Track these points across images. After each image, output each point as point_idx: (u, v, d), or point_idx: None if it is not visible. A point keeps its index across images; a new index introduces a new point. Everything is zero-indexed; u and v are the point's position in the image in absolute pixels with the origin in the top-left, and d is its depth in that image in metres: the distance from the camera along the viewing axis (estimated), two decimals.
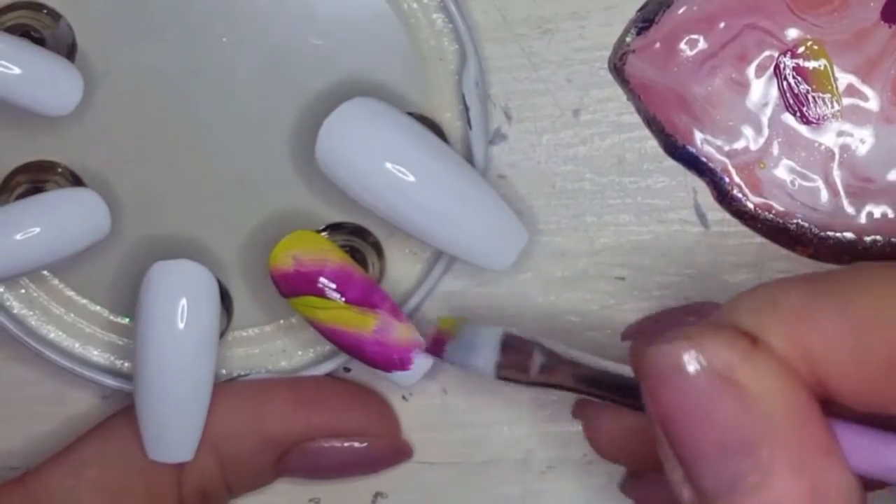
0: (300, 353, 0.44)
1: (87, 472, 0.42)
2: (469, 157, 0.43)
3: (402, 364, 0.42)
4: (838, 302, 0.33)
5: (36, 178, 0.43)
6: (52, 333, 0.44)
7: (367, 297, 0.41)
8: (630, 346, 0.36)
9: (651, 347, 0.33)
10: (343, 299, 0.41)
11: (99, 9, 0.43)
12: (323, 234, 0.43)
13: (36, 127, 0.43)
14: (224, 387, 0.43)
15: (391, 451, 0.44)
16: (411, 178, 0.41)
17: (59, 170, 0.43)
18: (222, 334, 0.43)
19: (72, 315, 0.44)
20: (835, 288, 0.33)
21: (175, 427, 0.41)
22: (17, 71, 0.40)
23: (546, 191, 0.44)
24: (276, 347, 0.44)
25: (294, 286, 0.41)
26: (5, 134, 0.43)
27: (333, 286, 0.41)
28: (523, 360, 0.40)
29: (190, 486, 0.42)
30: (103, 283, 0.44)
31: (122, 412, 0.43)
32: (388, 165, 0.41)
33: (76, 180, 0.43)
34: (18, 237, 0.40)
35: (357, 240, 0.44)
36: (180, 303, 0.41)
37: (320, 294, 0.41)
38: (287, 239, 0.41)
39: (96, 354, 0.44)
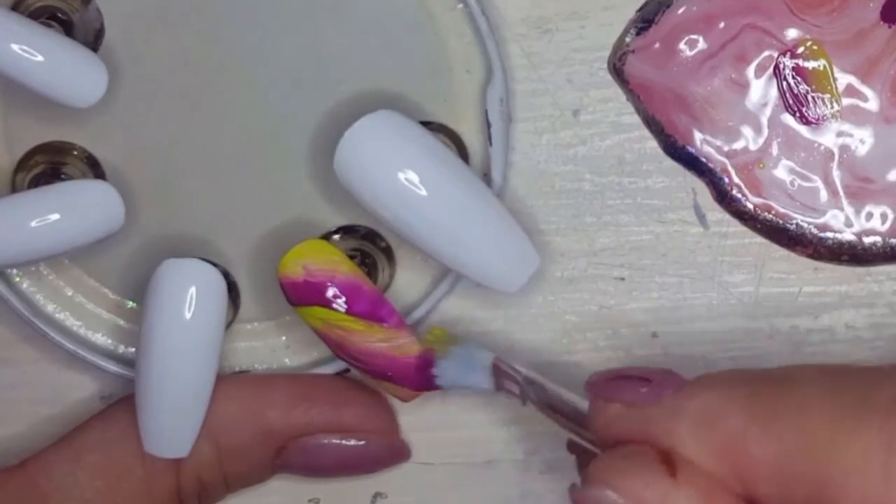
0: (303, 350, 0.44)
1: (87, 457, 0.42)
2: (487, 174, 0.43)
3: (418, 377, 0.42)
4: (770, 430, 0.34)
5: (54, 159, 0.43)
6: (58, 313, 0.44)
7: (374, 310, 0.41)
8: (589, 404, 0.38)
9: (575, 488, 0.35)
10: (350, 312, 0.41)
11: None
12: (335, 236, 0.43)
13: (58, 110, 0.42)
14: (225, 377, 0.43)
15: (389, 451, 0.44)
16: (424, 193, 0.40)
17: (76, 152, 0.43)
18: (227, 326, 0.43)
19: (79, 296, 0.44)
20: (770, 412, 0.34)
21: (173, 423, 0.41)
22: (39, 58, 0.40)
23: (546, 191, 0.44)
24: (280, 343, 0.44)
25: (302, 295, 0.41)
26: (27, 115, 0.43)
27: (342, 298, 0.41)
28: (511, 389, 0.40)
29: (187, 474, 0.42)
30: (113, 268, 0.44)
31: (123, 401, 0.43)
32: (402, 180, 0.40)
33: (94, 164, 0.43)
34: (34, 224, 0.40)
35: (369, 244, 0.44)
36: (187, 302, 0.41)
37: (328, 305, 0.41)
38: (298, 247, 0.41)
39: (99, 338, 0.44)
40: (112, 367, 0.44)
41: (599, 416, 0.37)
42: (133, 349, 0.44)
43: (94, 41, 0.42)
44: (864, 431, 0.32)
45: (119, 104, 0.43)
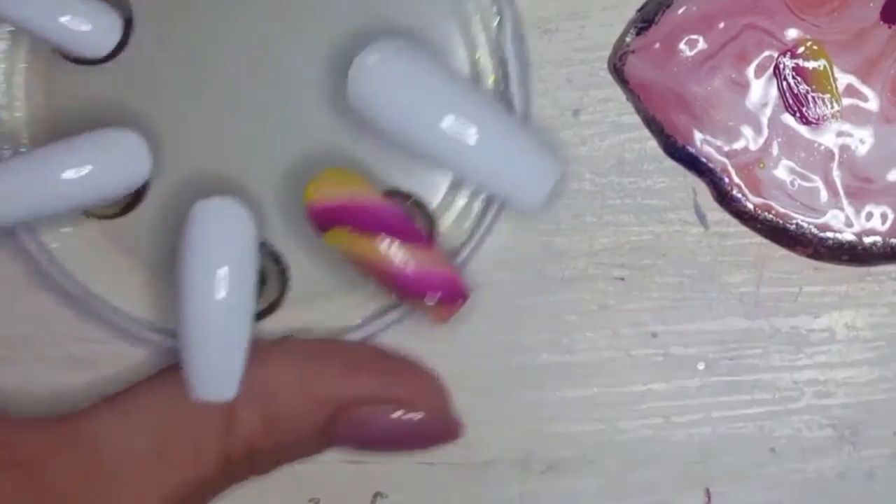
0: (356, 313, 0.44)
1: (137, 416, 0.42)
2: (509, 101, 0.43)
3: (451, 293, 0.42)
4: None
5: None
6: (95, 286, 0.44)
7: (402, 229, 0.41)
8: None
9: None
10: (377, 232, 0.41)
11: None
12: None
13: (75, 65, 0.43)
14: (272, 345, 0.43)
15: (443, 427, 0.44)
16: (440, 112, 0.41)
17: None
18: (279, 300, 0.43)
19: (115, 267, 0.44)
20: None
21: (217, 364, 0.41)
22: (53, 11, 0.41)
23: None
24: (336, 307, 0.44)
25: (328, 220, 0.41)
26: (49, 70, 0.44)
27: (368, 219, 0.41)
28: None
29: (237, 440, 0.42)
30: (143, 230, 0.44)
31: (170, 368, 0.43)
32: (417, 101, 0.41)
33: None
34: (65, 175, 0.41)
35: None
36: (219, 239, 0.41)
37: (355, 227, 0.41)
38: (319, 176, 0.42)
39: (141, 311, 0.44)
40: (154, 336, 0.44)
41: None
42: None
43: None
44: None
45: (133, 53, 0.43)
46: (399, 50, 0.41)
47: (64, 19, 0.41)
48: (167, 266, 0.43)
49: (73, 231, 0.44)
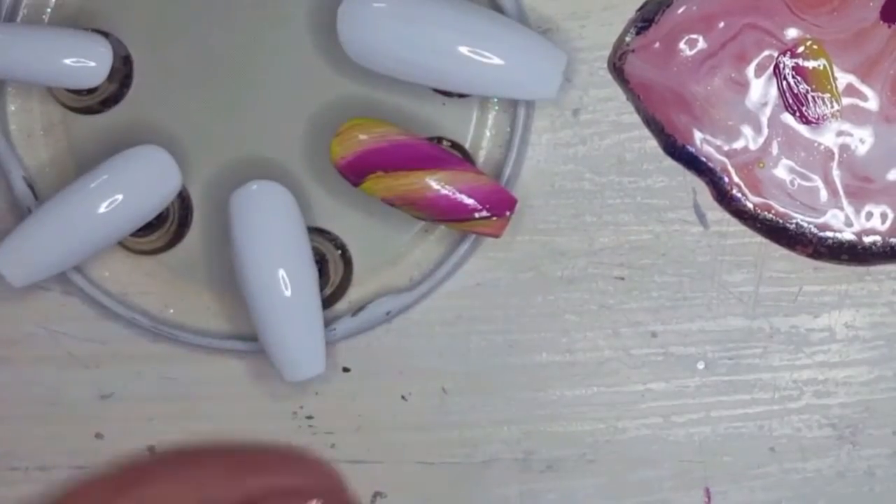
0: (416, 266, 0.45)
1: None
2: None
3: (498, 205, 0.42)
4: None
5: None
6: (150, 305, 0.45)
7: (432, 155, 0.42)
8: None
9: None
10: (412, 167, 0.41)
11: None
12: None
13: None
14: (161, 455, 0.43)
15: None
16: (437, 33, 0.41)
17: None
18: (343, 288, 0.44)
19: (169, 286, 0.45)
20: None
21: (296, 343, 0.42)
22: (40, 54, 0.41)
23: (546, 190, 0.44)
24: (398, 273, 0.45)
25: (360, 170, 0.42)
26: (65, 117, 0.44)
27: (398, 156, 0.41)
28: None
29: None
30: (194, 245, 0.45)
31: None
32: (411, 29, 0.41)
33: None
34: (102, 210, 0.41)
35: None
36: (265, 222, 0.41)
37: (388, 169, 0.41)
38: (339, 131, 0.42)
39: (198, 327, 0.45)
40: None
41: None
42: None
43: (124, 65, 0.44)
44: None
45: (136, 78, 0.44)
46: None
47: (54, 59, 0.41)
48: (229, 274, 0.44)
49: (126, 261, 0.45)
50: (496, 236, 0.42)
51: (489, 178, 0.42)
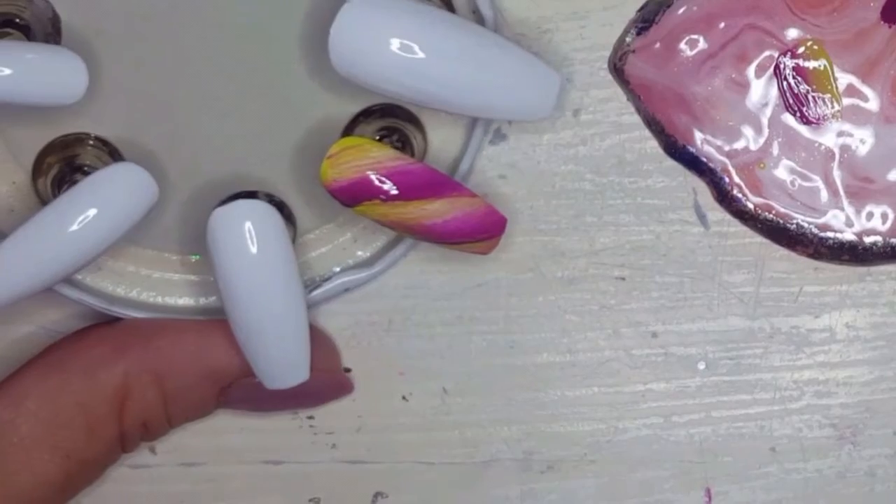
0: (371, 238, 0.44)
1: (26, 403, 0.42)
2: (476, 10, 0.43)
3: (491, 229, 0.42)
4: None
5: (66, 154, 0.42)
6: (131, 292, 0.44)
7: (427, 184, 0.41)
8: None
9: None
10: (404, 195, 0.41)
11: None
12: (360, 124, 0.43)
13: (48, 109, 0.42)
14: (167, 321, 0.43)
15: (330, 385, 0.44)
16: (425, 57, 0.40)
17: (85, 140, 0.43)
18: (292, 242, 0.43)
19: (143, 269, 0.44)
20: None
21: (282, 354, 0.42)
22: (7, 72, 0.39)
23: (546, 191, 0.44)
24: (347, 240, 0.44)
25: (353, 195, 0.41)
26: (20, 124, 0.43)
27: (391, 184, 0.41)
28: None
29: (132, 418, 0.42)
30: (163, 232, 0.44)
31: (61, 343, 0.43)
32: (402, 53, 0.40)
33: (105, 144, 0.43)
34: (74, 228, 0.40)
35: (391, 119, 0.43)
36: (248, 241, 0.41)
37: (381, 197, 0.41)
38: (331, 152, 0.41)
39: (178, 300, 0.44)
40: (202, 318, 0.44)
41: None
42: (213, 298, 0.44)
43: (54, 32, 0.41)
44: None
45: (103, 82, 0.43)
46: (374, 6, 0.40)
47: (21, 77, 0.39)
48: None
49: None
50: (486, 253, 0.42)
51: (482, 200, 0.41)
